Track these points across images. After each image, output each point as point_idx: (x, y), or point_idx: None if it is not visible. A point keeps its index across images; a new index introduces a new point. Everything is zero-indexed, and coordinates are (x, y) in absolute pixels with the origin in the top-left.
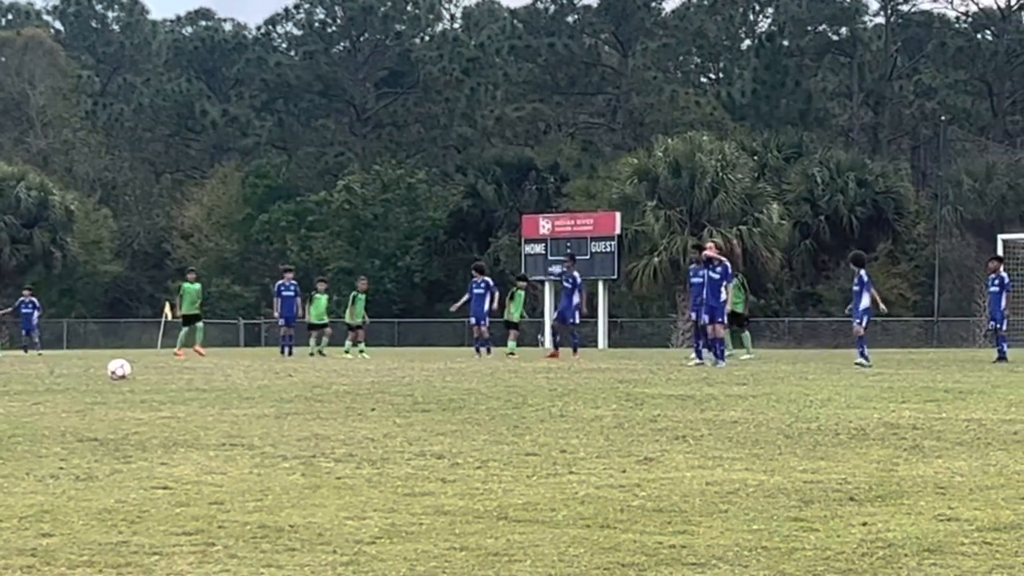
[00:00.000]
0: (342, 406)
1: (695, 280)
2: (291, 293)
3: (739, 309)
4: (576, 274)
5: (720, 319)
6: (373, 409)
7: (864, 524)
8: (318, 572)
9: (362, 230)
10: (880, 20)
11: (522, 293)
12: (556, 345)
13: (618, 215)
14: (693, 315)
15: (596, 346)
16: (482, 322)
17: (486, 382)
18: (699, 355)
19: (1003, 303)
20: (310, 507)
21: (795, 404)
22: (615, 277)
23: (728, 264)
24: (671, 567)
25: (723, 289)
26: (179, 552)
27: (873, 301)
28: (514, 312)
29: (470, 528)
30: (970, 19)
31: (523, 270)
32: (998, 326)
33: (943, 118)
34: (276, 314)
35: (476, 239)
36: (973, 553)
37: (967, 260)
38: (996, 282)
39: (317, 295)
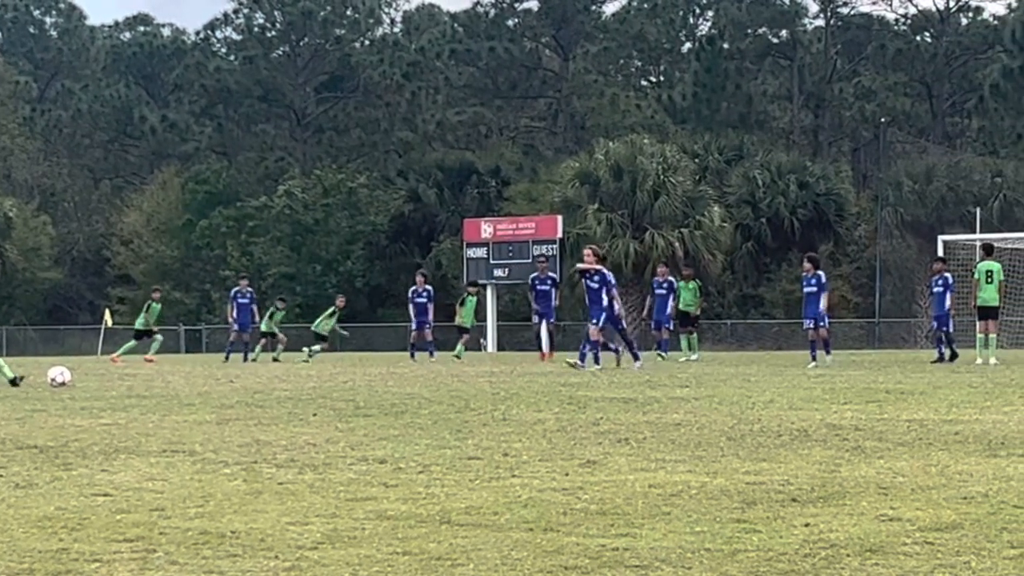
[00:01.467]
0: (284, 411)
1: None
2: (247, 300)
3: (692, 311)
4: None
5: (595, 321)
6: (315, 414)
7: (806, 525)
8: None
9: (303, 235)
10: (820, 23)
11: (474, 299)
12: (550, 347)
13: (560, 218)
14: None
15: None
16: (426, 327)
17: (429, 387)
18: (635, 358)
19: (947, 304)
20: (251, 513)
21: (738, 406)
22: (558, 280)
23: (606, 272)
24: (614, 570)
25: (604, 296)
26: (120, 559)
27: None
28: (465, 317)
29: (412, 532)
30: (909, 21)
31: (465, 274)
32: (945, 328)
33: (883, 120)
34: (231, 320)
35: (418, 243)
36: (915, 553)
37: (908, 261)
38: (940, 283)
39: (277, 311)
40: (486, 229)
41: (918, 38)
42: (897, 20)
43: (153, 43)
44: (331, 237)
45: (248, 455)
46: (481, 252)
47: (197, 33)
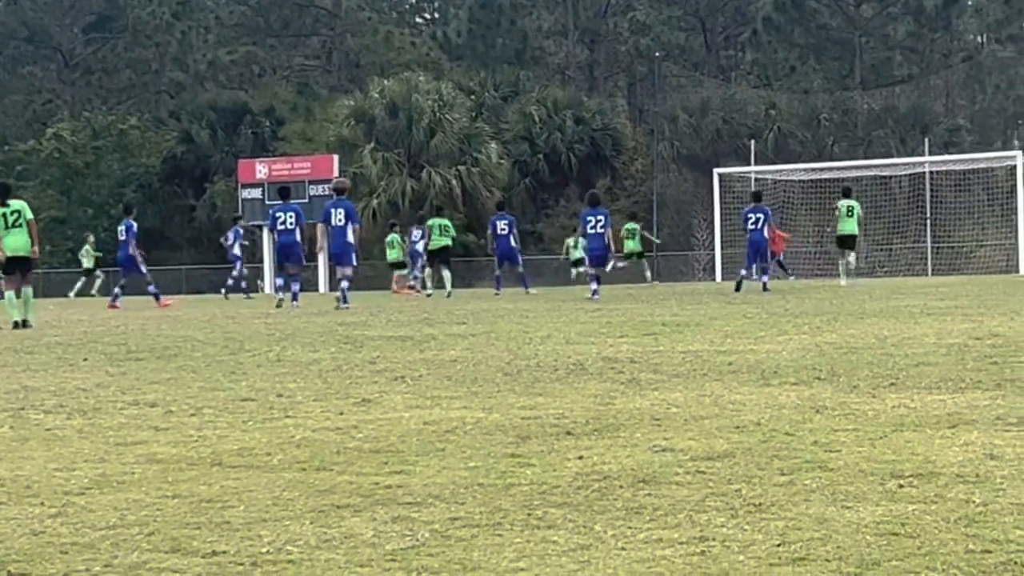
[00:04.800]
0: (53, 357)
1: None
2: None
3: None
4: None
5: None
6: (85, 359)
7: (580, 457)
8: (25, 525)
9: (73, 179)
10: None
11: (395, 236)
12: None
13: (336, 158)
14: None
15: (317, 290)
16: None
17: (203, 329)
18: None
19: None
20: (18, 460)
21: (515, 342)
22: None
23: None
24: (386, 507)
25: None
26: None
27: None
28: (394, 253)
29: (183, 476)
30: None
31: (241, 215)
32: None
33: (658, 54)
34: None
35: (192, 185)
36: (687, 482)
37: (684, 195)
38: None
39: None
40: (261, 169)
41: None
42: None
43: None
44: (102, 180)
45: (15, 402)
46: (256, 193)
47: None
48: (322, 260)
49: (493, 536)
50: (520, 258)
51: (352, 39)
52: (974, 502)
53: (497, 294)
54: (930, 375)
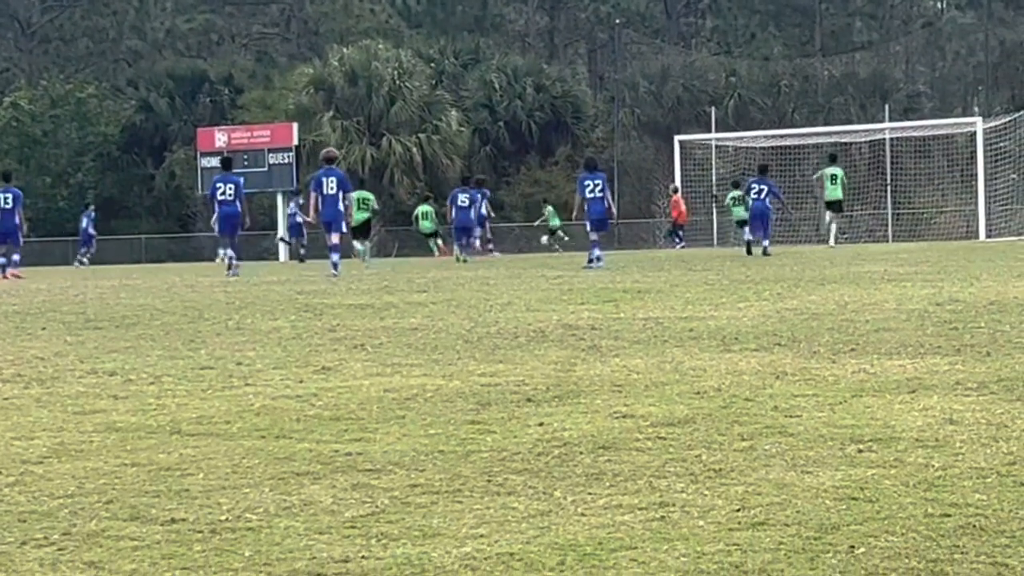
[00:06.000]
0: (11, 326)
1: None
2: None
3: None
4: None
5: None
6: (44, 328)
7: (540, 424)
8: None
9: (31, 147)
10: None
11: (429, 207)
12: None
13: (295, 126)
14: None
15: (277, 259)
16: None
17: (162, 298)
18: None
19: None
20: None
21: (475, 309)
22: (294, 189)
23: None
24: (346, 474)
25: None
26: None
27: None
28: (427, 224)
29: (142, 444)
30: None
31: (199, 185)
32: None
33: (618, 21)
34: None
35: (151, 154)
36: (647, 448)
37: (645, 162)
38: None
39: None
40: (220, 138)
41: None
42: None
43: None
44: (61, 149)
45: None
46: (215, 162)
47: None
48: (282, 230)
49: (453, 503)
50: (478, 232)
51: (311, 6)
52: (933, 466)
53: (464, 261)
54: (890, 341)
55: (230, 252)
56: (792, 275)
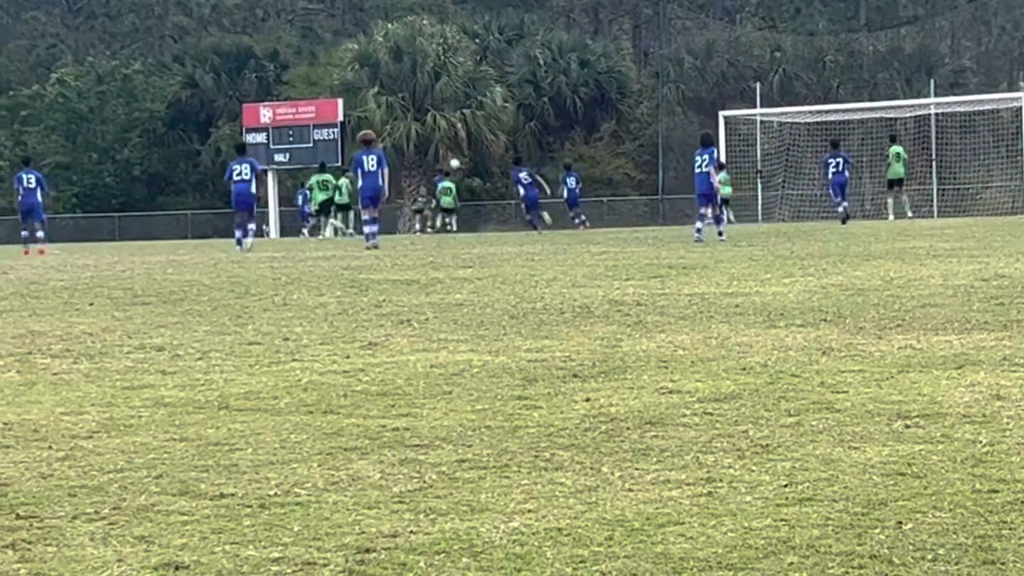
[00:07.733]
0: (59, 302)
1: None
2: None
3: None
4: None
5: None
6: (91, 304)
7: (587, 400)
8: (33, 468)
9: (78, 123)
10: None
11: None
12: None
13: (340, 102)
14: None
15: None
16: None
17: (208, 273)
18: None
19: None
20: (25, 404)
21: (521, 285)
22: (340, 165)
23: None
24: (394, 449)
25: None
26: None
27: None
28: (447, 200)
29: (190, 419)
30: None
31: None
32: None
33: None
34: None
35: (196, 130)
36: (694, 424)
37: (690, 138)
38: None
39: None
40: (265, 114)
41: None
42: None
43: None
44: (107, 125)
45: (22, 346)
46: (261, 137)
47: None
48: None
49: (500, 478)
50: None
51: None
52: (980, 442)
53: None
54: (936, 316)
55: (251, 227)
56: (837, 251)
